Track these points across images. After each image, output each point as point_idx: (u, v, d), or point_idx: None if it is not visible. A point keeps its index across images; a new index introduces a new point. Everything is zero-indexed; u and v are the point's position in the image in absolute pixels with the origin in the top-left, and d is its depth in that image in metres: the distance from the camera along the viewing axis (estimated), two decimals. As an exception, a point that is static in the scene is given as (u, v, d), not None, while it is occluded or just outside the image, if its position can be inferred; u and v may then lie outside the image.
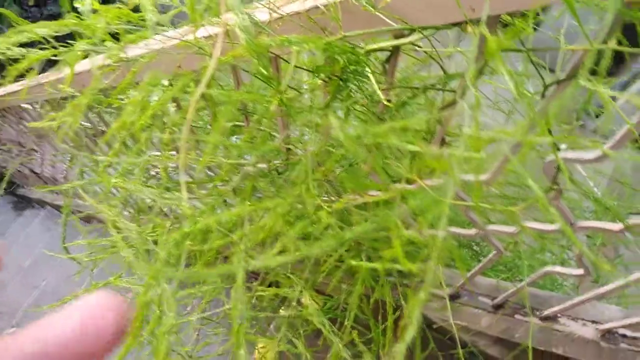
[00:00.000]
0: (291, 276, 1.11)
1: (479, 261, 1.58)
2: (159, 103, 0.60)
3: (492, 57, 0.33)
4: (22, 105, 1.82)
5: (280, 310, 1.26)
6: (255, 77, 0.57)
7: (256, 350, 1.22)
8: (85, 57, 0.93)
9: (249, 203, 0.51)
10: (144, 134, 0.70)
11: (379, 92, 0.51)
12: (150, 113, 0.62)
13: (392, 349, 0.99)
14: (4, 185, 2.98)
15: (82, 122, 1.62)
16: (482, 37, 0.43)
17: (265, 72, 0.47)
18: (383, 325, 1.00)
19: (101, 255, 1.27)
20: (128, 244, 0.77)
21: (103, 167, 0.76)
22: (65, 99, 1.48)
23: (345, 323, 0.89)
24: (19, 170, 3.65)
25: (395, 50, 0.54)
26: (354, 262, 1.02)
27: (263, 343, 1.27)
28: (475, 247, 1.70)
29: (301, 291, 1.18)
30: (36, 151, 2.94)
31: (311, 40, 0.45)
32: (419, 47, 0.77)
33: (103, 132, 1.60)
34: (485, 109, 1.09)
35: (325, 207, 0.57)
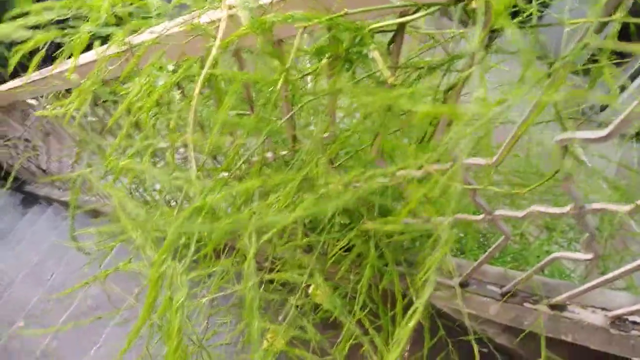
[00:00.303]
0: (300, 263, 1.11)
1: (486, 252, 1.58)
2: (165, 86, 0.60)
3: (499, 18, 0.33)
4: (28, 100, 1.82)
5: (289, 299, 1.26)
6: (260, 59, 0.57)
7: (265, 340, 1.22)
8: (90, 47, 0.93)
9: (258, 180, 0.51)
10: (151, 118, 0.70)
11: (385, 71, 0.50)
12: (157, 96, 0.61)
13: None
14: (10, 182, 3.00)
15: (89, 116, 1.62)
16: (487, 3, 0.42)
17: (269, 51, 0.47)
18: (392, 312, 0.99)
19: (111, 244, 1.27)
20: (137, 226, 0.77)
21: (112, 150, 0.76)
22: (69, 91, 1.48)
23: (355, 308, 0.89)
24: (25, 167, 3.67)
25: (400, 29, 0.54)
26: (362, 248, 1.02)
27: (271, 332, 1.27)
28: (481, 239, 1.69)
29: (310, 276, 1.18)
30: (40, 148, 2.96)
31: (314, 16, 0.44)
32: (426, 33, 0.76)
33: (110, 127, 1.60)
34: (490, 92, 1.08)
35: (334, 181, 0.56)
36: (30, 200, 4.06)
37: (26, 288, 2.99)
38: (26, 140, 3.01)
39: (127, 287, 2.29)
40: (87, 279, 2.70)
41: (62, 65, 1.29)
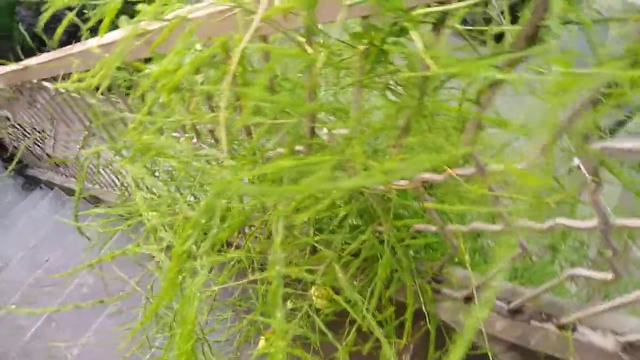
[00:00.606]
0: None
1: (486, 262, 1.55)
2: (194, 63, 0.58)
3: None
4: (43, 83, 1.81)
5: (288, 302, 1.24)
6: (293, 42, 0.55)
7: (262, 338, 1.20)
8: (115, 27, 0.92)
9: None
10: (175, 96, 0.69)
11: (426, 57, 0.48)
12: (183, 73, 0.60)
13: (408, 344, 0.96)
14: (14, 164, 2.98)
15: (101, 102, 1.60)
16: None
17: (312, 26, 0.45)
18: (398, 321, 0.97)
19: (115, 228, 1.25)
20: (152, 209, 0.75)
21: (135, 124, 0.74)
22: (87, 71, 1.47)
23: (359, 314, 0.86)
24: (30, 150, 3.66)
25: (442, 18, 0.52)
26: (373, 251, 1.00)
27: (270, 331, 1.24)
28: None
29: (312, 283, 1.16)
30: (48, 131, 2.94)
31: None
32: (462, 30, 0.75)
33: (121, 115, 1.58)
34: (524, 96, 1.06)
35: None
36: (31, 184, 4.04)
37: (21, 271, 2.96)
38: (33, 123, 3.00)
39: (123, 277, 2.26)
40: (83, 264, 2.68)
41: (82, 45, 1.28)
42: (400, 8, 0.44)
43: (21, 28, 4.66)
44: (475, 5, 0.49)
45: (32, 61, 1.65)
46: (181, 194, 0.86)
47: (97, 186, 2.60)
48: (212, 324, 1.20)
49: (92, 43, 1.24)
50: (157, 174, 1.19)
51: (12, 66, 1.80)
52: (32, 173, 4.01)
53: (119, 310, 2.23)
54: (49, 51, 4.46)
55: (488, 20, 0.96)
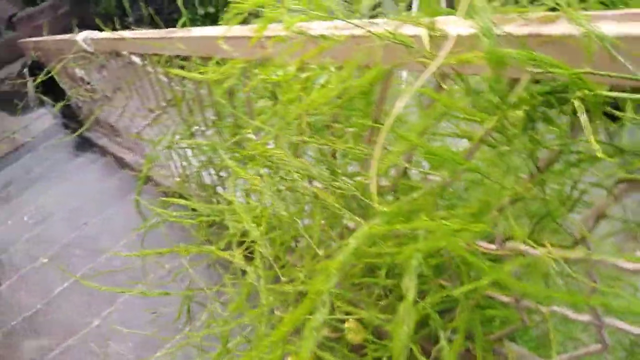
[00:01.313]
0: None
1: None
2: (331, 90, 0.56)
3: None
4: (133, 57, 1.84)
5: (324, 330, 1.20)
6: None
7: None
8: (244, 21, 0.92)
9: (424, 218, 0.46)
10: (302, 117, 0.67)
11: (592, 142, 0.45)
12: (317, 96, 0.58)
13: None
14: (84, 128, 3.06)
15: (188, 87, 1.62)
16: None
17: (498, 87, 0.42)
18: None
19: (188, 220, 1.23)
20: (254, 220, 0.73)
21: (249, 130, 0.73)
22: (178, 57, 1.48)
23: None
24: (92, 114, 3.75)
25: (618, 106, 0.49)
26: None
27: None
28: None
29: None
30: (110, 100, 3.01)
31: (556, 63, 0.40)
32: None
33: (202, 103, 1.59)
34: None
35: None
36: (85, 145, 4.13)
37: (59, 228, 3.02)
38: (105, 90, 3.06)
39: (158, 261, 2.27)
40: (119, 238, 2.71)
41: (187, 32, 1.28)
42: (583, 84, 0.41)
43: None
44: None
45: (128, 34, 1.68)
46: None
47: (163, 171, 2.62)
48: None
49: (197, 31, 1.25)
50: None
51: (108, 34, 1.84)
52: (88, 135, 4.10)
53: (143, 292, 2.23)
54: (130, 22, 4.57)
55: None
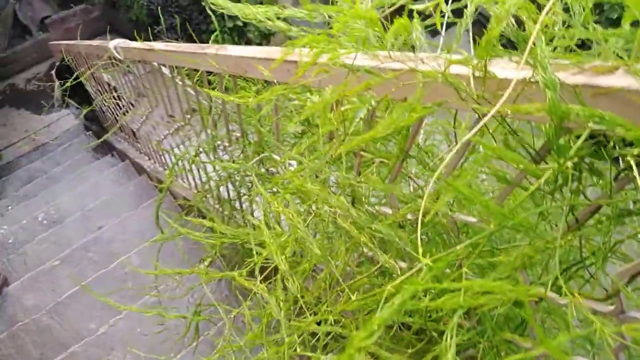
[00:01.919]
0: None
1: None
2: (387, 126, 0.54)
3: None
4: (164, 70, 1.85)
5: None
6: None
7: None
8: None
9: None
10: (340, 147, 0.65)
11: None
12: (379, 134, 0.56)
13: None
14: (109, 134, 3.08)
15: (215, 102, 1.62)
16: None
17: (554, 140, 0.40)
18: None
19: (211, 241, 1.21)
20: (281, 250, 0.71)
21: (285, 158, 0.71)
22: (210, 73, 1.48)
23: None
24: (115, 118, 3.77)
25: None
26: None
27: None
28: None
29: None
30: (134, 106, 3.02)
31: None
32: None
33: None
34: None
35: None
36: (105, 148, 4.16)
37: (74, 230, 3.02)
38: (130, 96, 3.08)
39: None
40: (132, 245, 2.69)
41: (222, 49, 1.28)
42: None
43: (143, 3, 4.93)
44: None
45: (159, 45, 1.69)
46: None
47: (183, 182, 2.61)
48: None
49: (233, 50, 1.25)
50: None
51: (139, 44, 1.85)
52: (109, 139, 4.14)
53: (151, 304, 2.21)
54: (160, 30, 4.60)
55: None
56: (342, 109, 0.63)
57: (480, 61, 0.55)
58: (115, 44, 2.17)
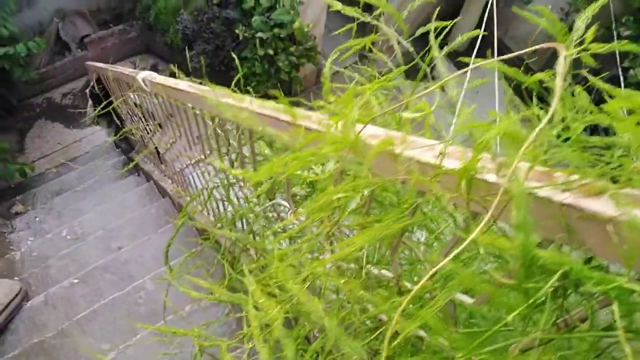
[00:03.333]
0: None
1: None
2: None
3: None
4: (189, 105, 1.89)
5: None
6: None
7: None
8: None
9: None
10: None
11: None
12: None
13: None
14: (137, 159, 3.17)
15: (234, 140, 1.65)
16: None
17: (524, 280, 0.41)
18: None
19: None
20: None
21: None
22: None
23: None
24: (142, 138, 3.87)
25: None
26: None
27: None
28: None
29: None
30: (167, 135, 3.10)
31: None
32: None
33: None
34: None
35: None
36: (132, 168, 4.26)
37: (94, 249, 3.09)
38: (159, 120, 3.16)
39: (178, 300, 2.29)
40: (147, 269, 2.73)
41: (256, 105, 1.31)
42: None
43: (178, 28, 5.08)
44: None
45: (185, 86, 1.73)
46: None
47: (205, 213, 2.65)
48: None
49: (261, 108, 1.27)
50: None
51: (167, 80, 1.91)
52: (136, 158, 4.24)
53: (157, 334, 2.24)
54: (193, 54, 4.69)
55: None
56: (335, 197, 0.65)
57: (475, 169, 0.56)
58: (144, 76, 2.24)
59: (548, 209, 0.52)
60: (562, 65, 0.47)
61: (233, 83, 1.63)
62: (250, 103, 1.28)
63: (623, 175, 0.51)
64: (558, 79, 0.46)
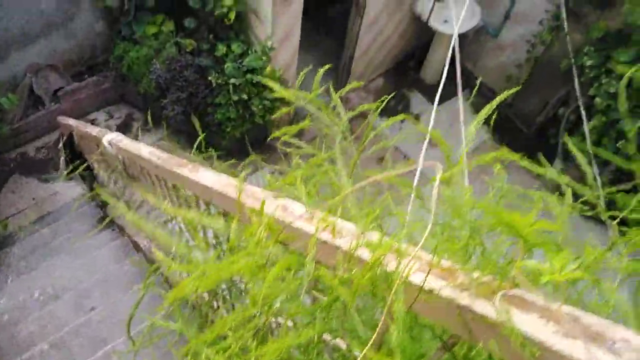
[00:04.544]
0: None
1: None
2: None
3: None
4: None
5: None
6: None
7: None
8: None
9: None
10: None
11: None
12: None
13: None
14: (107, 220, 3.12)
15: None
16: None
17: None
18: None
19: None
20: None
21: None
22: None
23: None
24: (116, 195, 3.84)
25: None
26: None
27: None
28: None
29: None
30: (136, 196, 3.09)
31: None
32: None
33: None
34: None
35: None
36: (106, 221, 4.21)
37: (67, 310, 3.02)
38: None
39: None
40: (120, 331, 2.67)
41: (193, 170, 1.31)
42: None
43: (151, 77, 5.12)
44: None
45: (146, 152, 1.74)
46: None
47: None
48: None
49: (202, 176, 1.28)
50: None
51: (131, 145, 1.92)
52: (110, 212, 4.20)
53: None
54: (167, 103, 4.70)
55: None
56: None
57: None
58: (110, 138, 2.25)
59: (449, 309, 0.53)
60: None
61: (195, 146, 1.65)
62: (204, 174, 1.29)
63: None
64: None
